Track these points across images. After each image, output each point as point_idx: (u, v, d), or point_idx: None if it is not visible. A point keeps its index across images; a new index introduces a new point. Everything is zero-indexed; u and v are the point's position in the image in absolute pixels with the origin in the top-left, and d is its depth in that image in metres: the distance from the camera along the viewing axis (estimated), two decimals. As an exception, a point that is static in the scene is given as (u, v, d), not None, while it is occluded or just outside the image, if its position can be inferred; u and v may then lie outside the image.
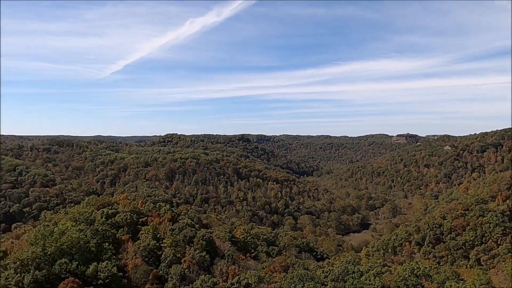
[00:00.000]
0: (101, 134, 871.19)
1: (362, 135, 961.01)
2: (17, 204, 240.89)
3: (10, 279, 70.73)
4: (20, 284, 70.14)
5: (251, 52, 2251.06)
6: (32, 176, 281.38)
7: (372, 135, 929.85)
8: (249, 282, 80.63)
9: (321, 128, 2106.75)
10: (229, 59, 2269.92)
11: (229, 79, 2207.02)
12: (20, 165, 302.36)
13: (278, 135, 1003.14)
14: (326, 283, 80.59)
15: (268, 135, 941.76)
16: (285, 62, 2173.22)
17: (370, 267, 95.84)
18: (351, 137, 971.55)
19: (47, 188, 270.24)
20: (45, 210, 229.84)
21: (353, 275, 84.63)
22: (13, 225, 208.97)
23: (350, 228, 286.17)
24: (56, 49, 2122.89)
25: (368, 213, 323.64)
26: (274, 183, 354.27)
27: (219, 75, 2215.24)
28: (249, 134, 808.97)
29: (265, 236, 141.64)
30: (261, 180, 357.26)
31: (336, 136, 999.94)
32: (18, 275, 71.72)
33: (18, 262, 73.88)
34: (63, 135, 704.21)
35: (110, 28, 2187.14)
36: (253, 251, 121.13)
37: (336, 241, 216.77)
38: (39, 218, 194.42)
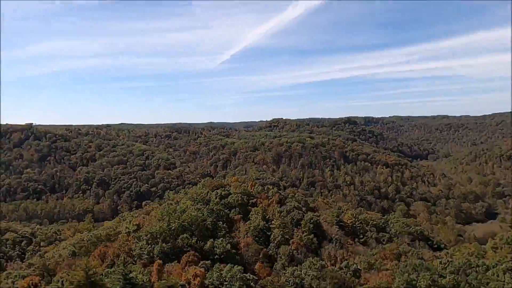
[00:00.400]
0: (212, 121, 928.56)
1: (487, 113, 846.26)
2: (146, 185, 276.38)
3: (143, 249, 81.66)
4: (151, 254, 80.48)
5: (356, 30, 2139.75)
6: (156, 160, 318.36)
7: (501, 114, 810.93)
8: (358, 267, 79.02)
9: (437, 108, 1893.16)
10: (332, 40, 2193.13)
11: (333, 61, 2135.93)
12: (147, 150, 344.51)
13: (387, 116, 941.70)
14: (444, 275, 74.13)
15: (376, 117, 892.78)
16: (393, 39, 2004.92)
17: (498, 261, 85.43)
18: (473, 116, 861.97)
19: (169, 171, 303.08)
20: (168, 190, 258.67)
21: (477, 268, 76.64)
22: (143, 202, 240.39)
23: (473, 217, 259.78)
24: (170, 45, 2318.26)
25: (496, 201, 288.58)
26: (384, 167, 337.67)
27: (322, 57, 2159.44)
28: (355, 117, 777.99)
29: (375, 222, 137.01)
30: (369, 164, 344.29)
31: (455, 116, 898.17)
32: (149, 246, 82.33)
33: (148, 235, 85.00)
34: (181, 123, 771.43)
35: (216, 20, 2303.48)
36: (361, 236, 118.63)
37: (456, 230, 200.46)
38: (164, 197, 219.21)
